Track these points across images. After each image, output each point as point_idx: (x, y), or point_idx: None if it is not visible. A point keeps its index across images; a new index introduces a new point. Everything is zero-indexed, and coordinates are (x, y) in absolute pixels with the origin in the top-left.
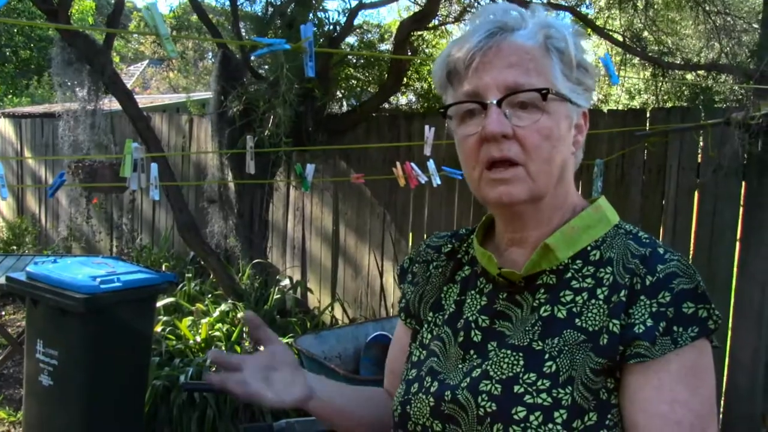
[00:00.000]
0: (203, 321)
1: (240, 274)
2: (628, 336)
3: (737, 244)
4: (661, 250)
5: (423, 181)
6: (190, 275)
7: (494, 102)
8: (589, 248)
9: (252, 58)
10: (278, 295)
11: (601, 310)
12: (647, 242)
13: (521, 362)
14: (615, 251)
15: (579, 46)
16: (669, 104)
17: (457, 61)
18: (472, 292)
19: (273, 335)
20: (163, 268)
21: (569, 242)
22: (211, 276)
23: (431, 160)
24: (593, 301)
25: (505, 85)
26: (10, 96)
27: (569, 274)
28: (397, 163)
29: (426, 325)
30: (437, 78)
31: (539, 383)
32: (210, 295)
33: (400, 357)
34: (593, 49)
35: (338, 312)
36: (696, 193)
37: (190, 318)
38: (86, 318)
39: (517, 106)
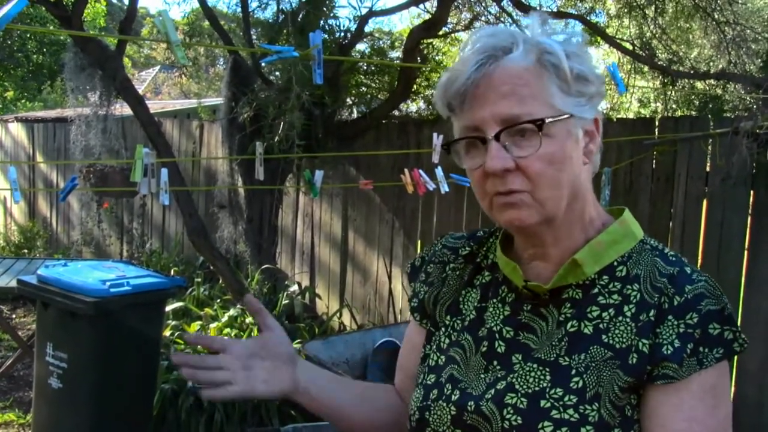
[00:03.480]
0: (212, 326)
1: (249, 280)
2: (656, 356)
3: (745, 253)
4: (688, 270)
5: (431, 189)
6: (199, 280)
7: (492, 137)
8: (615, 264)
9: (263, 64)
10: (287, 301)
11: (629, 328)
12: (674, 260)
13: (548, 377)
14: (642, 268)
15: (576, 56)
16: (678, 113)
17: (453, 96)
18: (494, 300)
19: (271, 321)
20: (173, 272)
21: (596, 257)
22: (220, 281)
23: (439, 168)
24: (620, 318)
25: (500, 117)
26: (23, 101)
27: (596, 290)
28: (406, 170)
29: (443, 329)
30: (439, 107)
31: (566, 399)
32: (219, 300)
33: (412, 356)
34: (603, 57)
35: (346, 318)
36: (704, 202)
37: (199, 323)
38: (96, 321)
39: (517, 135)
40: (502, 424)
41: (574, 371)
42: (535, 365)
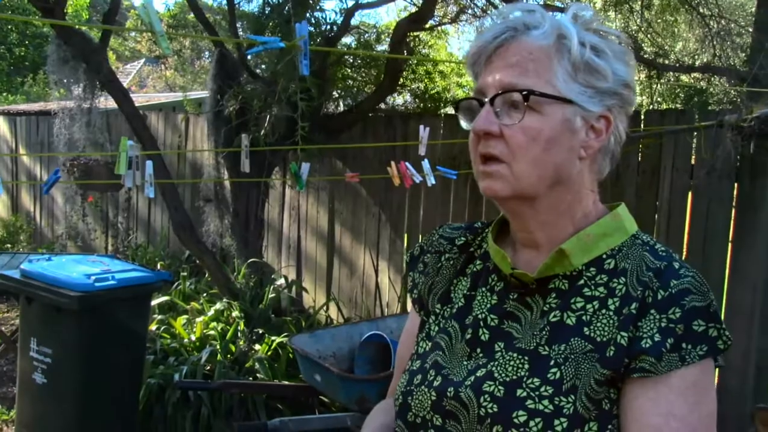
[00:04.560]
0: (198, 320)
1: (235, 273)
2: (634, 349)
3: (729, 245)
4: (676, 265)
5: (418, 181)
6: (185, 274)
7: (487, 100)
8: (604, 256)
9: (249, 57)
10: (273, 294)
11: (611, 321)
12: (663, 255)
13: (526, 366)
14: (630, 262)
15: (594, 49)
16: (664, 106)
17: (469, 61)
18: (483, 289)
19: None
20: (159, 266)
21: (585, 249)
22: (207, 275)
23: (426, 160)
24: (603, 311)
25: (500, 84)
26: (4, 94)
27: (582, 281)
28: (392, 163)
29: (433, 317)
30: (470, 75)
31: (542, 389)
32: (205, 294)
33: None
34: None
35: (333, 311)
36: (689, 195)
37: (185, 317)
38: (81, 316)
39: (510, 105)
40: (479, 411)
41: (552, 362)
42: (515, 354)
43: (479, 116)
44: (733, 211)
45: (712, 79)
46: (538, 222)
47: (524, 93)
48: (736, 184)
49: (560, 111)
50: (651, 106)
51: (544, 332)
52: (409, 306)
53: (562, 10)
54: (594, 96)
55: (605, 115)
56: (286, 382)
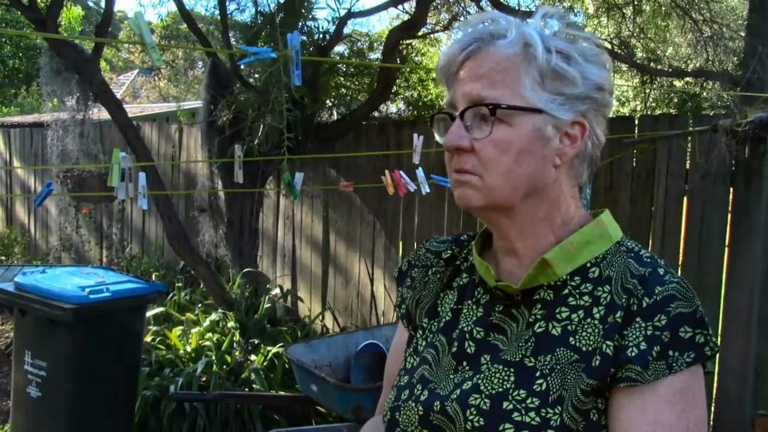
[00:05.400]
0: (193, 330)
1: (230, 283)
2: (620, 358)
3: (725, 250)
4: (661, 271)
5: (412, 189)
6: (180, 285)
7: (457, 114)
8: (588, 265)
9: (241, 66)
10: (268, 304)
11: (596, 330)
12: (648, 262)
13: (512, 378)
14: (614, 269)
15: (563, 55)
16: (657, 111)
17: (438, 74)
18: (469, 302)
19: None
20: (153, 277)
21: (568, 258)
22: (201, 285)
23: (420, 168)
24: (589, 320)
25: (469, 98)
26: None
27: (566, 291)
28: (386, 172)
29: (421, 332)
30: (443, 87)
31: (528, 401)
32: (200, 305)
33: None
34: None
35: (329, 320)
36: (684, 200)
37: (180, 327)
38: (75, 328)
39: (480, 118)
40: (465, 425)
41: (538, 373)
42: (501, 366)
43: (450, 131)
44: (729, 215)
45: (706, 83)
46: (516, 231)
47: (491, 107)
48: (731, 189)
49: (530, 121)
50: (644, 111)
51: (529, 343)
52: None
53: (531, 14)
54: (564, 103)
55: (579, 121)
56: (282, 393)
